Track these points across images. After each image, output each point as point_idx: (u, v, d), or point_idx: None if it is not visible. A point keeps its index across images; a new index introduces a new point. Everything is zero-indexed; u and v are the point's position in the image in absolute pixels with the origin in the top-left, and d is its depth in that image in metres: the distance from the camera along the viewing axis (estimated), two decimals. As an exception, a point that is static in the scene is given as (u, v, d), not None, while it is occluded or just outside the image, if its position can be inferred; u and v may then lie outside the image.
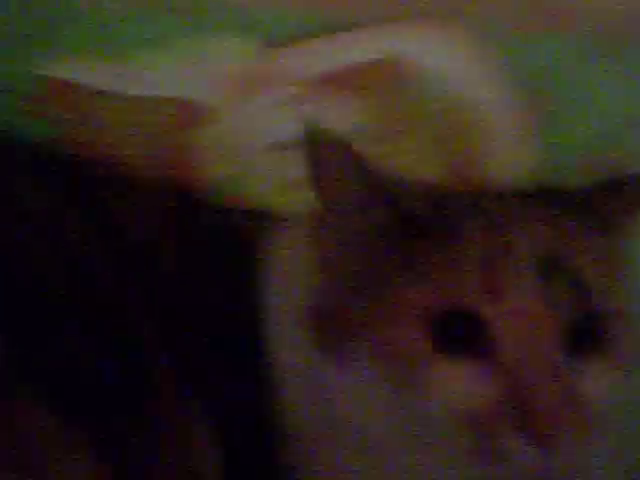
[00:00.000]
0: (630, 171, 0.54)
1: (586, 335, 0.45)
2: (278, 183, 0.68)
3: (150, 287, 0.50)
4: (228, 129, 0.68)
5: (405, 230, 0.46)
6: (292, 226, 0.55)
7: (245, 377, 0.50)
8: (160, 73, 0.70)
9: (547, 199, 0.49)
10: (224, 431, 0.49)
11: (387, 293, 0.45)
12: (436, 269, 0.44)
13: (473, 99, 0.72)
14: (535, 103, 0.73)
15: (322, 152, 0.46)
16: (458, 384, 0.44)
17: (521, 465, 0.43)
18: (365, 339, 0.45)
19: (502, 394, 0.43)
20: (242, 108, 0.70)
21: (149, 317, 0.49)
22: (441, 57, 0.71)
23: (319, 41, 0.69)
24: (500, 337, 0.43)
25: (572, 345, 0.45)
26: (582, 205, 0.49)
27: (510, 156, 0.73)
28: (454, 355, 0.44)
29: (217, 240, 0.54)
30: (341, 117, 0.69)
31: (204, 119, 0.69)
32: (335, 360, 0.47)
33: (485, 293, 0.43)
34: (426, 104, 0.71)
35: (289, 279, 0.51)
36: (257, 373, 0.49)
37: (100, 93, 0.68)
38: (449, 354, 0.44)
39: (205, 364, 0.49)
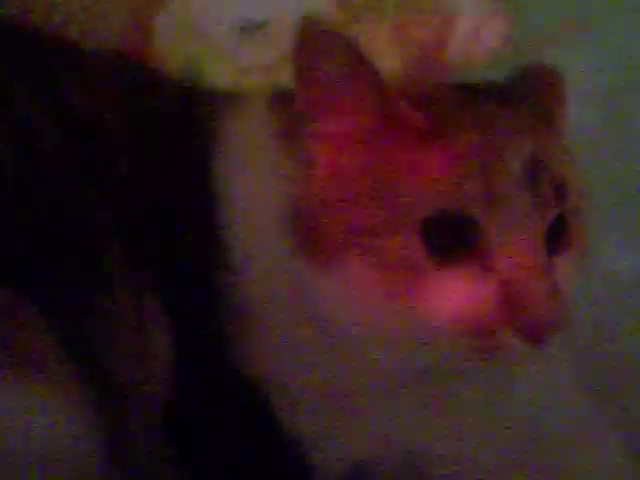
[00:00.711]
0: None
1: (556, 231, 0.46)
2: (243, 66, 0.66)
3: (101, 169, 0.49)
4: (191, 8, 0.66)
5: (392, 132, 0.45)
6: (256, 112, 0.52)
7: (200, 264, 0.49)
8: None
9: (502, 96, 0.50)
10: (178, 318, 0.49)
11: (385, 198, 0.45)
12: (428, 175, 0.44)
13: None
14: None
15: (317, 40, 0.44)
16: (455, 290, 0.44)
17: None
18: (359, 247, 0.45)
19: (498, 296, 0.44)
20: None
21: (101, 202, 0.48)
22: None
23: None
24: (495, 242, 0.44)
25: (548, 242, 0.46)
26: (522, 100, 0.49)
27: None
28: (449, 262, 0.44)
29: (172, 122, 0.51)
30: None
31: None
32: (319, 266, 0.46)
33: (482, 198, 0.43)
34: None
35: (253, 170, 0.50)
36: (212, 261, 0.49)
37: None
38: (444, 261, 0.44)
39: (158, 252, 0.48)
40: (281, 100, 0.50)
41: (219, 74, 0.63)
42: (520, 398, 0.54)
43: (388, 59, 0.67)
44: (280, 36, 0.65)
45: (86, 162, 0.49)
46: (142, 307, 0.49)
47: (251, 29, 0.66)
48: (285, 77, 0.47)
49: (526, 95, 0.50)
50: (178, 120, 0.51)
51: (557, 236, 0.46)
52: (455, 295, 0.44)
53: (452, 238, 0.44)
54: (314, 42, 0.45)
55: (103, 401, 0.47)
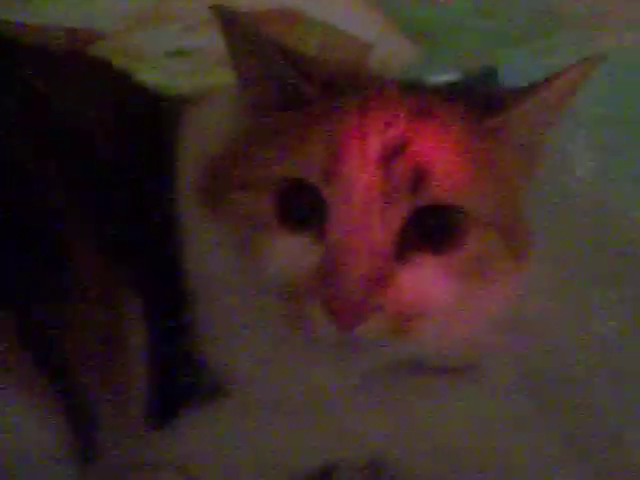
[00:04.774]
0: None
1: (431, 230, 0.46)
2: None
3: (71, 160, 0.51)
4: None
5: (285, 101, 0.48)
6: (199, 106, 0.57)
7: (159, 241, 0.51)
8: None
9: (420, 90, 0.50)
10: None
11: (253, 161, 0.48)
12: (294, 142, 0.46)
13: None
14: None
15: (235, 29, 0.48)
16: (290, 254, 0.46)
17: (324, 340, 0.45)
18: (226, 201, 0.48)
19: (320, 270, 0.44)
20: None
21: (68, 186, 0.49)
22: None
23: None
24: (334, 216, 0.45)
25: (411, 237, 0.45)
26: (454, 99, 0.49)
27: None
28: (294, 229, 0.46)
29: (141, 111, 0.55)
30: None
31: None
32: (209, 218, 0.50)
33: (328, 172, 0.45)
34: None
35: (197, 151, 0.53)
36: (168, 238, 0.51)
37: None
38: (289, 227, 0.46)
39: (122, 234, 0.50)
40: None
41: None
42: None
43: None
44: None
45: (56, 152, 0.50)
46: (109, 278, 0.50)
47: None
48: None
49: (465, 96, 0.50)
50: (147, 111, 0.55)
51: (437, 236, 0.46)
52: (289, 258, 0.46)
53: (298, 206, 0.46)
54: (230, 28, 0.49)
55: (69, 401, 0.46)
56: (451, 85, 0.52)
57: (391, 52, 0.91)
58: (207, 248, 0.50)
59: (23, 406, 0.45)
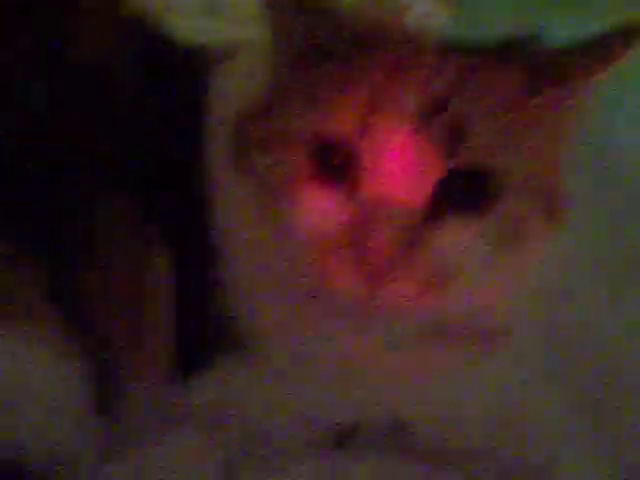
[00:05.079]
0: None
1: (463, 190, 0.45)
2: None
3: (100, 110, 0.51)
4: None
5: (319, 56, 0.47)
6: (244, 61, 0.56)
7: (190, 199, 0.51)
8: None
9: (460, 51, 0.48)
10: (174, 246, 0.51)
11: (285, 116, 0.47)
12: (329, 96, 0.46)
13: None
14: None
15: None
16: (321, 210, 0.45)
17: (348, 300, 0.45)
18: (257, 156, 0.48)
19: (351, 227, 0.44)
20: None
21: (90, 137, 0.50)
22: None
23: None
24: (368, 172, 0.44)
25: (445, 198, 0.45)
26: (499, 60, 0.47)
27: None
28: (325, 184, 0.45)
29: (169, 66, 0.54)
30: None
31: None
32: (239, 173, 0.49)
33: (364, 124, 0.44)
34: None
35: (227, 106, 0.52)
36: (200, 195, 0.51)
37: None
38: (321, 183, 0.45)
39: (153, 187, 0.50)
40: None
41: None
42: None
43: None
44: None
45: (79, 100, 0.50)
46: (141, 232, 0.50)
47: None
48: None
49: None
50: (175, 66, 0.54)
51: (471, 198, 0.45)
52: (320, 214, 0.45)
53: (330, 161, 0.45)
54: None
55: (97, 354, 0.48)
56: (496, 45, 0.50)
57: (427, 13, 0.90)
58: (237, 203, 0.50)
59: (52, 356, 0.46)
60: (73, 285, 0.48)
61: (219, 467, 0.52)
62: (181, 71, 0.54)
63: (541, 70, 0.47)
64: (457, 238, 0.45)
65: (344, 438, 0.54)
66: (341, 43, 0.47)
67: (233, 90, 0.52)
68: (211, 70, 0.54)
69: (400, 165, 0.44)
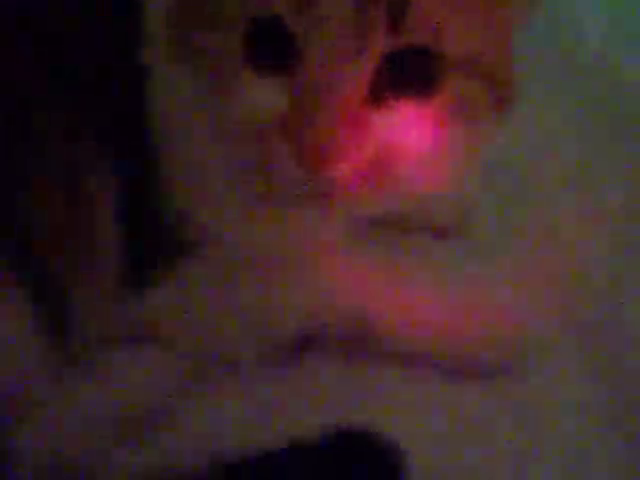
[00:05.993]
0: None
1: (408, 73, 0.43)
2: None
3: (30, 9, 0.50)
4: None
5: None
6: None
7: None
8: None
9: None
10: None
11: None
12: None
13: None
14: None
15: None
16: (259, 97, 0.44)
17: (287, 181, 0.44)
18: (194, 43, 0.46)
19: (290, 111, 0.43)
20: None
21: (23, 40, 0.49)
22: None
23: None
24: (305, 53, 0.42)
25: (387, 79, 0.43)
26: None
27: None
28: (263, 71, 0.44)
29: None
30: None
31: None
32: (177, 62, 0.48)
33: (300, 4, 0.42)
34: None
35: None
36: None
37: None
38: (259, 70, 0.44)
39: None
40: None
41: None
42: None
43: None
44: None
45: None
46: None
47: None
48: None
49: None
50: None
51: (414, 79, 0.43)
52: (258, 100, 0.44)
53: (267, 47, 0.43)
54: None
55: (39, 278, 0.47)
56: None
57: None
58: (175, 96, 0.48)
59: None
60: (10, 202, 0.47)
61: (173, 382, 0.51)
62: None
63: None
64: (402, 119, 0.43)
65: (309, 343, 0.53)
66: None
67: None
68: None
69: (338, 42, 0.42)
